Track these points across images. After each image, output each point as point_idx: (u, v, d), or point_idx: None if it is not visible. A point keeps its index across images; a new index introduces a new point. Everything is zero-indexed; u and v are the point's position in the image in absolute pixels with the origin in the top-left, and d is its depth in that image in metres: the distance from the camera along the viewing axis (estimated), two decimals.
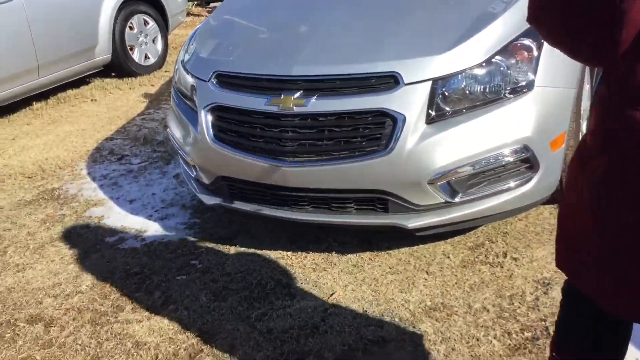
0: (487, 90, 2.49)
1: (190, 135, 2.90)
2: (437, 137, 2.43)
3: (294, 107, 2.54)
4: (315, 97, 2.53)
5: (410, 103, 2.43)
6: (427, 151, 2.43)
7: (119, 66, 6.31)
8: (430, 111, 2.45)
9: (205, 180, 2.95)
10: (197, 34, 3.29)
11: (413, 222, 2.55)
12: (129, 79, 6.36)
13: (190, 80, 2.97)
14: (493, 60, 2.49)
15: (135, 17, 6.39)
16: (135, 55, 6.43)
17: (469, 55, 2.47)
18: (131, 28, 6.36)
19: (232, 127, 2.72)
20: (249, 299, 2.60)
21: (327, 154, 2.52)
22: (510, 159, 2.49)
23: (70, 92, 5.99)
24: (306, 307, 2.51)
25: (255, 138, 2.66)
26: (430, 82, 2.45)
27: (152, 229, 3.30)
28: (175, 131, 3.08)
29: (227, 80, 2.78)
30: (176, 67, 3.23)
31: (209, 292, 2.68)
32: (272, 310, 2.51)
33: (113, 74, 6.49)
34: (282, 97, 2.57)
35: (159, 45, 6.71)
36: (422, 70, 2.45)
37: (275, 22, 3.05)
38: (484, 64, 2.48)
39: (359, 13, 2.91)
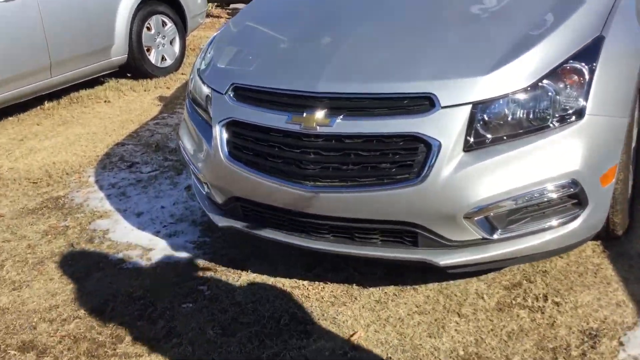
0: (532, 117, 2.24)
1: (203, 151, 2.67)
2: (476, 167, 2.18)
3: (317, 127, 2.30)
4: (341, 117, 2.29)
5: (446, 128, 2.19)
6: (464, 182, 2.19)
7: (135, 67, 6.11)
8: (468, 138, 2.20)
9: (218, 200, 2.73)
10: (215, 41, 3.07)
11: (445, 259, 2.30)
12: (145, 80, 6.16)
13: (205, 91, 2.75)
14: (540, 84, 2.24)
15: (154, 17, 6.18)
16: (152, 57, 6.23)
17: (513, 78, 2.22)
18: (148, 29, 6.16)
19: (249, 144, 2.49)
20: (260, 336, 2.36)
21: (352, 180, 2.28)
22: (557, 194, 2.24)
23: (83, 92, 5.80)
24: (324, 348, 2.27)
25: (273, 158, 2.42)
26: (469, 106, 2.20)
27: (159, 247, 3.07)
28: (187, 144, 2.86)
29: (245, 94, 2.55)
30: (191, 76, 3.01)
31: (216, 324, 2.45)
32: (286, 351, 2.27)
33: (129, 75, 6.29)
34: (304, 115, 2.34)
35: (177, 47, 6.50)
36: (461, 93, 2.20)
37: (300, 33, 2.81)
38: (529, 89, 2.23)
39: (392, 26, 2.67)
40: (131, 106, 5.46)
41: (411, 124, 2.21)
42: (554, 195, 2.24)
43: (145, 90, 5.93)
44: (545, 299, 2.43)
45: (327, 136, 2.31)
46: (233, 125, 2.54)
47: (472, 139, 2.21)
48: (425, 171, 2.19)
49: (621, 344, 2.14)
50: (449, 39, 2.46)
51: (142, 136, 4.64)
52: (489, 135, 2.22)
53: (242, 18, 3.26)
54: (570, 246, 2.42)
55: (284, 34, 2.87)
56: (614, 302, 2.37)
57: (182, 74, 6.44)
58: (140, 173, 3.97)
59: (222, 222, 2.72)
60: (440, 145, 2.18)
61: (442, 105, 2.19)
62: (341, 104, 2.32)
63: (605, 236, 2.67)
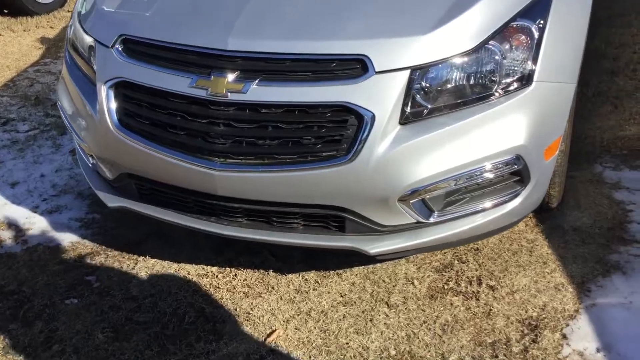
0: (475, 84, 1.95)
1: (86, 116, 2.21)
2: (414, 143, 1.88)
3: (228, 94, 1.91)
4: (256, 81, 1.90)
5: (381, 97, 1.86)
6: (400, 160, 1.89)
7: (11, 3, 5.32)
8: (405, 109, 1.89)
9: (108, 175, 2.29)
10: None
11: (376, 247, 2.02)
12: (24, 18, 5.40)
13: (88, 40, 2.26)
14: (486, 46, 1.94)
15: None
16: None
17: (457, 38, 1.91)
18: None
19: (144, 112, 2.06)
20: (160, 339, 2.01)
21: (269, 157, 1.92)
22: (499, 172, 1.99)
23: None
24: (237, 353, 1.96)
25: (174, 129, 2.01)
26: (407, 72, 1.87)
27: (38, 226, 2.60)
28: (67, 106, 2.37)
29: (138, 49, 2.10)
30: (71, 22, 2.48)
31: (107, 325, 2.07)
32: (192, 357, 1.94)
33: (5, 12, 5.50)
34: (212, 78, 1.93)
35: None
36: (398, 55, 1.87)
37: None
38: (473, 51, 1.93)
39: None
40: (7, 49, 4.75)
41: (340, 92, 1.86)
42: (497, 173, 1.99)
43: (24, 30, 5.19)
44: (480, 282, 2.22)
45: (240, 104, 1.92)
46: (123, 87, 2.09)
47: (409, 110, 1.90)
48: (355, 148, 1.86)
49: (564, 336, 1.97)
50: None
51: (20, 86, 4.01)
52: (428, 105, 1.91)
53: None
54: (509, 225, 2.21)
55: None
56: (552, 285, 2.19)
57: (68, 11, 5.70)
58: (16, 132, 3.40)
59: (112, 201, 2.29)
60: (373, 117, 1.85)
61: (377, 69, 1.86)
62: (257, 66, 1.92)
63: (539, 209, 2.48)
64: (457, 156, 1.92)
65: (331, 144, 1.89)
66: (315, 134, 1.89)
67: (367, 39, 1.88)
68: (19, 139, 3.31)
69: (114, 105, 2.10)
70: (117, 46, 2.13)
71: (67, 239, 2.52)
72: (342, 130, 1.87)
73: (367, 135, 1.85)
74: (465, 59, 1.92)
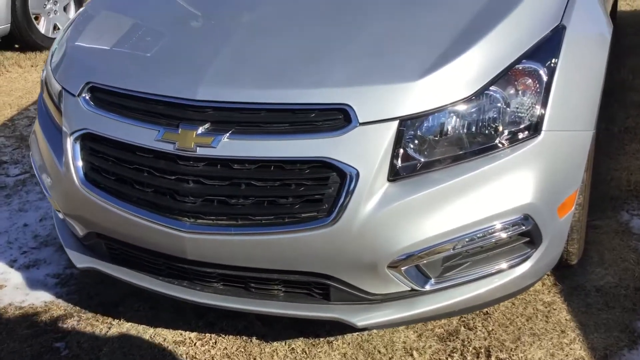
0: (475, 135, 1.72)
1: (53, 169, 2.04)
2: (405, 203, 1.66)
3: (197, 148, 1.72)
4: (227, 134, 1.71)
5: (366, 151, 1.65)
6: (389, 222, 1.66)
7: (21, 38, 5.28)
8: (395, 162, 1.67)
9: (78, 232, 2.11)
10: (74, 21, 2.39)
11: (364, 319, 1.78)
12: (33, 53, 5.35)
13: (57, 88, 2.10)
14: (486, 92, 1.72)
15: None
16: (42, 26, 5.40)
17: (452, 84, 1.69)
18: None
19: (110, 167, 1.87)
20: None
21: (243, 218, 1.72)
22: (505, 233, 1.75)
23: None
24: None
25: (141, 186, 1.82)
26: (396, 122, 1.66)
27: (13, 282, 2.43)
28: (37, 157, 2.22)
29: (105, 98, 1.93)
30: (44, 69, 2.33)
31: None
32: None
33: (16, 47, 5.46)
34: (179, 131, 1.74)
35: (72, 13, 5.67)
36: (386, 105, 1.66)
37: (178, 18, 2.18)
38: (472, 98, 1.70)
39: (297, 13, 2.07)
40: (13, 85, 4.68)
41: (320, 146, 1.65)
42: (502, 235, 1.75)
43: (32, 66, 5.13)
44: (488, 354, 1.96)
45: (210, 160, 1.72)
46: (89, 140, 1.92)
47: (399, 164, 1.68)
48: (338, 208, 1.65)
49: None
50: (371, 31, 1.88)
51: (18, 125, 3.90)
52: (421, 159, 1.69)
53: None
54: (520, 290, 1.96)
55: (159, 18, 2.23)
56: (571, 359, 1.92)
57: None
58: (5, 176, 3.26)
59: (81, 262, 2.10)
60: (357, 174, 1.63)
61: (361, 121, 1.65)
62: (228, 117, 1.73)
63: (558, 265, 2.22)
64: (456, 217, 1.69)
65: (311, 204, 1.67)
66: (293, 192, 1.68)
67: (349, 86, 1.68)
68: (8, 183, 3.17)
69: (79, 158, 1.93)
70: (84, 95, 1.96)
71: (41, 297, 2.33)
72: (323, 188, 1.66)
73: (351, 195, 1.64)
74: (463, 107, 1.70)
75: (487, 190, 1.70)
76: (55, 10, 5.52)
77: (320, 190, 1.67)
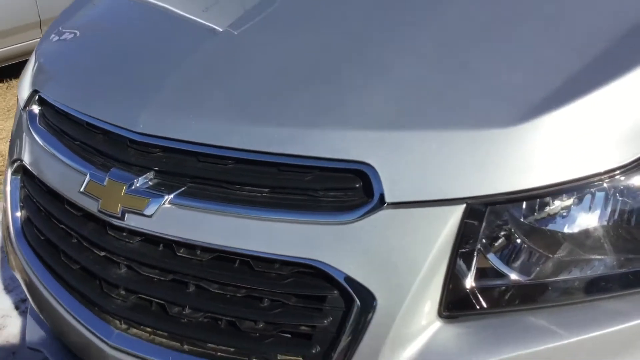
0: (623, 239, 0.84)
1: None
2: None
3: (125, 214, 1.02)
4: (172, 195, 0.99)
5: (397, 257, 0.85)
6: None
7: None
8: (458, 284, 0.85)
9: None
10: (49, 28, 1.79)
11: None
12: None
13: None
14: None
15: None
16: None
17: (590, 139, 0.82)
18: None
19: (39, 220, 1.26)
20: None
21: (189, 342, 1.00)
22: None
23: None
24: None
25: (67, 258, 1.18)
26: (462, 207, 0.83)
27: None
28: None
29: (49, 117, 1.29)
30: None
31: None
32: None
33: None
34: (105, 181, 1.06)
35: None
36: (441, 169, 0.84)
37: (148, 28, 1.43)
38: (627, 170, 0.82)
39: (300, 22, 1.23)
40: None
41: (312, 238, 0.89)
42: None
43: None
44: None
45: (146, 235, 1.03)
46: (25, 175, 1.32)
47: (467, 286, 0.85)
48: (337, 356, 0.87)
49: None
50: (424, 59, 0.99)
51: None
52: (517, 278, 0.85)
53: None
54: None
55: (130, 29, 1.49)
56: None
57: None
58: None
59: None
60: (374, 302, 0.85)
61: (390, 199, 0.84)
62: (178, 165, 1.02)
63: None
64: None
65: (292, 343, 0.92)
66: (264, 315, 0.93)
67: (370, 130, 0.88)
68: None
69: (17, 203, 1.34)
70: (30, 108, 1.36)
71: None
72: (314, 316, 0.89)
73: (361, 335, 0.85)
74: (613, 183, 0.83)
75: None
76: None
77: (308, 317, 0.90)
